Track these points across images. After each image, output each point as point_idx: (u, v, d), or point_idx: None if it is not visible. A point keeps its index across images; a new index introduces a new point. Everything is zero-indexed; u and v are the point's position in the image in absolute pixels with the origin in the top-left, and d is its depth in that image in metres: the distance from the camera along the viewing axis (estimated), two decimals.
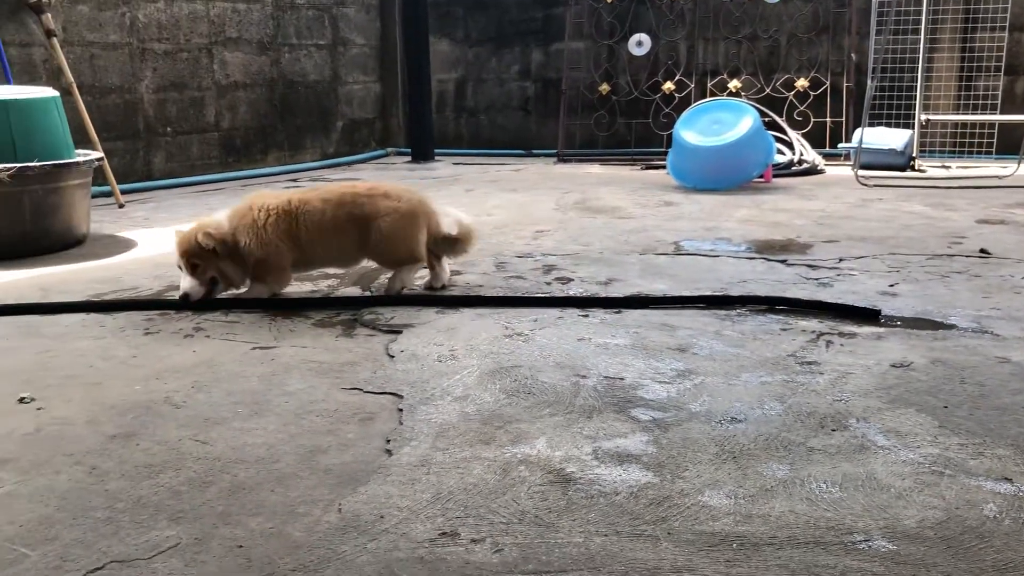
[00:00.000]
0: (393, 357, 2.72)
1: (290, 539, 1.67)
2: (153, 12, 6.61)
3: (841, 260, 3.94)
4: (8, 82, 5.39)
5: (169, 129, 6.82)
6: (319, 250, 3.37)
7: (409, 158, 8.47)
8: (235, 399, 2.39)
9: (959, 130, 7.15)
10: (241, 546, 1.65)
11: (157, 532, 1.70)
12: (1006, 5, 6.84)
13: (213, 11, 7.05)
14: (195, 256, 3.23)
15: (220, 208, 5.49)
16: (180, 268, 3.28)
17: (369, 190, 3.43)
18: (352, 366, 2.64)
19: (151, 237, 4.73)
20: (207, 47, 7.04)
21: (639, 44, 7.92)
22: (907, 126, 6.98)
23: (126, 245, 4.54)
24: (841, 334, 2.89)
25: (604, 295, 3.42)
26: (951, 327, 2.94)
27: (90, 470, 1.97)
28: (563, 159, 8.11)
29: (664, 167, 6.68)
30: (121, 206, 5.76)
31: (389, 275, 3.52)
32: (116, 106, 6.42)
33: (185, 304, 3.26)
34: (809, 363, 2.62)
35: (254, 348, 2.83)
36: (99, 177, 5.55)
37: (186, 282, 3.25)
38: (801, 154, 6.98)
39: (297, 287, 3.62)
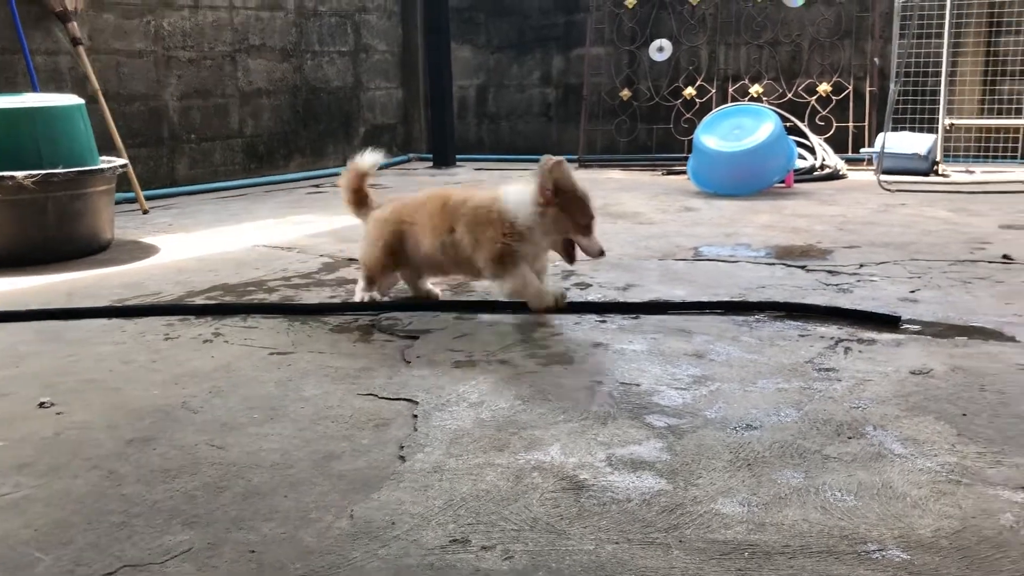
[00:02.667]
0: (409, 363, 2.73)
1: (302, 544, 1.68)
2: (178, 20, 6.68)
3: (862, 266, 3.91)
4: (35, 90, 5.48)
5: (193, 136, 6.90)
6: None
7: (431, 164, 8.51)
8: (251, 405, 2.41)
9: (983, 135, 7.09)
10: (253, 551, 1.66)
11: (171, 536, 1.71)
12: None
13: (237, 19, 7.13)
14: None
15: (243, 213, 5.52)
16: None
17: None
18: (368, 372, 2.65)
19: (174, 243, 4.78)
20: (231, 54, 7.11)
21: (660, 49, 7.91)
22: (931, 131, 6.92)
23: (149, 251, 4.59)
24: (860, 340, 2.87)
25: (622, 300, 3.42)
26: (972, 334, 2.91)
27: (107, 474, 1.99)
28: (584, 165, 8.11)
29: (685, 172, 6.66)
30: (145, 212, 5.82)
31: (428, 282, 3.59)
32: (141, 113, 6.50)
33: None
34: (827, 370, 2.60)
35: (272, 353, 2.85)
36: (124, 183, 5.62)
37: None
38: (823, 159, 6.93)
39: (317, 292, 3.65)
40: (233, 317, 3.28)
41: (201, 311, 3.36)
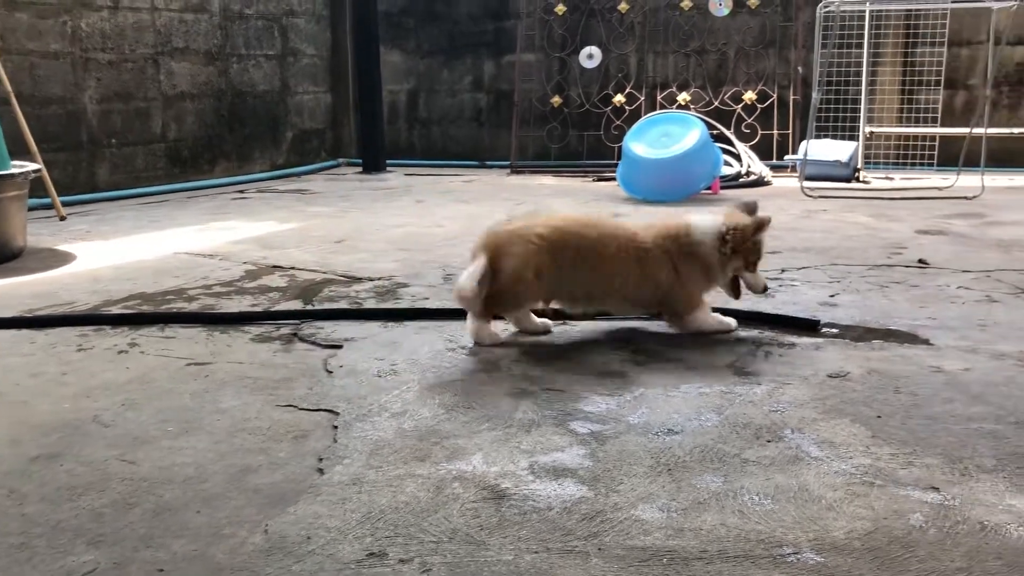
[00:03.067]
0: (331, 372, 2.68)
1: (213, 562, 1.63)
2: (96, 21, 6.50)
3: (783, 271, 3.98)
4: None
5: (114, 140, 6.71)
6: None
7: (360, 169, 8.43)
8: (166, 417, 2.34)
9: (902, 142, 7.30)
10: (161, 570, 1.60)
11: (74, 557, 1.64)
12: (944, 21, 7.01)
13: (159, 21, 6.96)
14: None
15: (165, 220, 5.39)
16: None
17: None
18: (288, 382, 2.59)
19: (91, 250, 4.63)
20: (153, 57, 6.94)
21: (590, 57, 7.97)
22: (852, 138, 7.10)
23: (64, 259, 4.44)
24: (780, 344, 2.91)
25: (548, 307, 3.41)
26: (888, 337, 2.98)
27: (8, 493, 1.90)
28: (516, 170, 8.12)
29: (615, 179, 6.72)
30: (63, 219, 5.64)
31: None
32: (58, 116, 6.29)
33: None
34: (747, 373, 2.64)
35: (189, 364, 2.77)
36: (40, 189, 5.44)
37: None
38: (748, 166, 7.06)
39: (238, 301, 3.57)
40: (150, 327, 3.19)
41: (116, 321, 3.25)
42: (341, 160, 8.95)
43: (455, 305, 3.01)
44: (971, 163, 6.32)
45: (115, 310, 3.43)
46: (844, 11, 6.71)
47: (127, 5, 6.69)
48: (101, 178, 6.63)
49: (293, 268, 4.15)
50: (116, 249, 4.67)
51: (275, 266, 4.20)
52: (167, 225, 5.44)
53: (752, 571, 1.59)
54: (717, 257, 2.98)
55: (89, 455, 2.10)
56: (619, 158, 6.74)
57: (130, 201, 6.53)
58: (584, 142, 8.21)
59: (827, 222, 5.25)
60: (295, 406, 2.41)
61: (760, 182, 6.91)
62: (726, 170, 6.82)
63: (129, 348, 2.95)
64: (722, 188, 6.52)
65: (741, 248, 2.98)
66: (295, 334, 3.08)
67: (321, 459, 2.07)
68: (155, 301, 3.57)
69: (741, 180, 6.88)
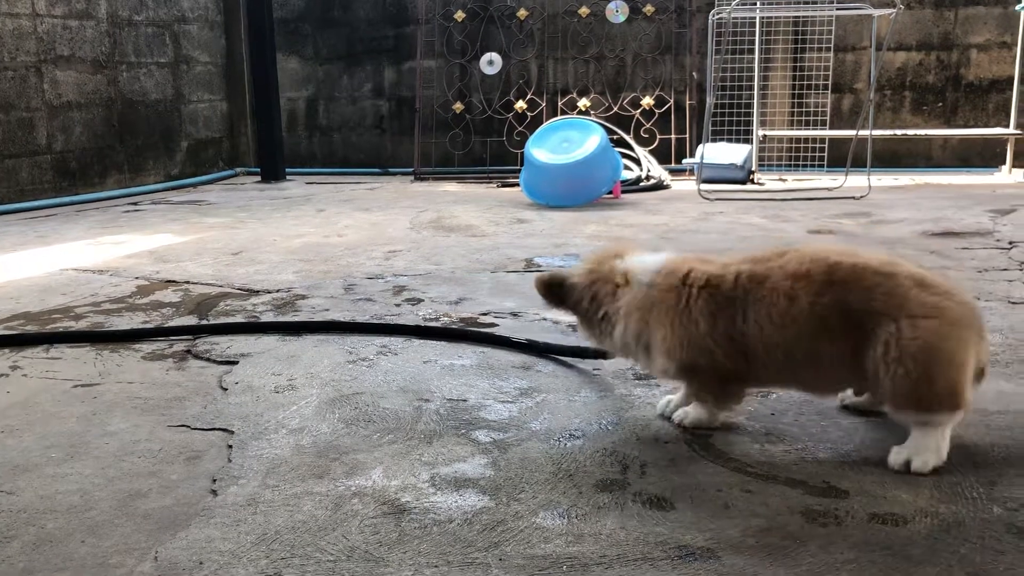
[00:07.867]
0: (226, 390, 2.60)
1: None
2: None
3: None
4: None
5: None
6: (779, 357, 2.08)
7: (259, 178, 8.26)
8: (49, 443, 2.23)
9: (793, 145, 7.55)
10: None
11: None
12: (831, 28, 7.28)
13: (41, 27, 6.67)
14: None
15: (52, 235, 5.18)
16: None
17: (884, 266, 2.05)
18: (181, 401, 2.51)
19: None
20: (36, 65, 6.64)
21: (490, 63, 7.99)
22: (746, 141, 7.31)
23: None
24: None
25: (454, 315, 3.40)
26: None
27: None
28: (420, 177, 8.07)
29: (519, 184, 6.75)
30: None
31: None
32: None
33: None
34: (647, 376, 2.67)
35: (75, 386, 2.65)
36: None
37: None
38: (648, 170, 7.18)
39: (129, 318, 3.44)
40: (34, 348, 3.04)
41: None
42: (239, 169, 8.75)
43: (357, 317, 2.97)
44: (858, 164, 6.57)
45: None
46: (735, 18, 6.90)
47: (5, 11, 6.39)
48: None
49: (188, 282, 4.02)
50: None
51: (169, 280, 4.07)
52: (54, 240, 5.22)
53: (650, 574, 1.60)
54: None
55: None
56: (522, 164, 6.78)
57: (13, 216, 6.23)
58: (487, 148, 8.23)
59: (723, 224, 5.39)
60: (188, 426, 2.33)
61: (659, 186, 7.04)
62: (626, 174, 6.93)
63: (10, 371, 2.81)
64: (623, 192, 6.62)
65: None
66: (189, 351, 2.99)
67: (215, 480, 2.01)
68: (40, 320, 3.41)
69: (641, 184, 6.99)
